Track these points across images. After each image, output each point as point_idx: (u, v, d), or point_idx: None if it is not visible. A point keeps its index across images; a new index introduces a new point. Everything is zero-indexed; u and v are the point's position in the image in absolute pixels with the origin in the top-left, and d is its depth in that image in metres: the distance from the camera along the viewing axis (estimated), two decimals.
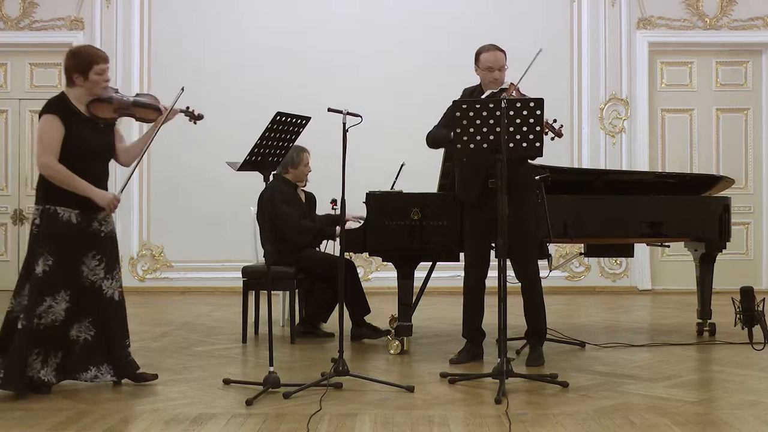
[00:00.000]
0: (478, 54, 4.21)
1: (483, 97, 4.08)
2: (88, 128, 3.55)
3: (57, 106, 3.53)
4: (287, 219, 4.95)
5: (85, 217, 3.54)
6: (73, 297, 3.52)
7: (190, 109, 3.72)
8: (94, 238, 3.59)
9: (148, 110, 3.66)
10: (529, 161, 4.32)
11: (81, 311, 3.57)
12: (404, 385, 3.64)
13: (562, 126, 3.93)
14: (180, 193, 7.57)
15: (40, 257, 3.46)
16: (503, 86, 4.10)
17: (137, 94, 3.68)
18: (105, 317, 3.64)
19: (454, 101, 3.87)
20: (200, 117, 3.75)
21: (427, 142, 4.35)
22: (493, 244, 4.45)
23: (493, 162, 3.82)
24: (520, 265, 4.18)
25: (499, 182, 3.65)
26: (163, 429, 3.03)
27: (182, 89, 3.59)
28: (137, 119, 3.70)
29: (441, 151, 4.60)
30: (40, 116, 3.53)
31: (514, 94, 3.95)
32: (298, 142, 4.00)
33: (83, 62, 3.54)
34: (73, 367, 3.60)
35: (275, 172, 5.16)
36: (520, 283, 4.22)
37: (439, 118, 4.35)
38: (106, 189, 3.62)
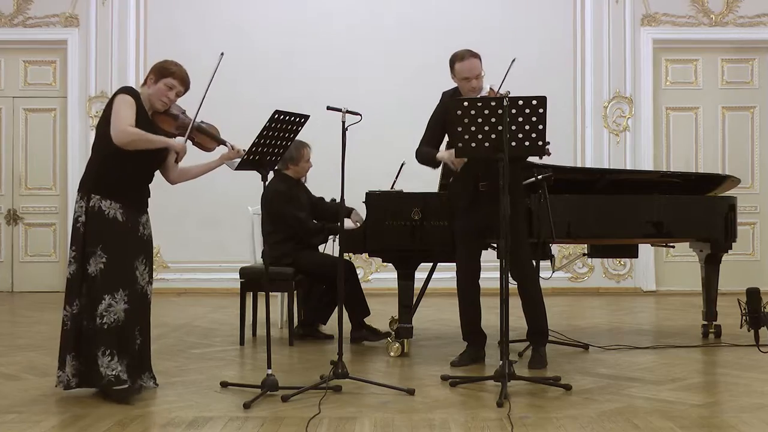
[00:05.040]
0: (452, 63, 4.11)
1: None
2: (149, 130, 3.51)
3: (133, 92, 3.52)
4: (295, 221, 4.93)
5: (129, 216, 3.50)
6: (131, 299, 3.48)
7: (244, 153, 3.65)
8: (142, 243, 3.58)
9: (206, 138, 3.65)
10: (531, 160, 4.29)
11: (136, 318, 3.53)
12: (404, 388, 3.62)
13: (549, 143, 3.77)
14: (176, 192, 7.47)
15: (91, 256, 3.43)
16: (483, 94, 4.05)
17: (201, 121, 3.66)
18: (148, 322, 3.64)
19: (454, 100, 3.82)
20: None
21: (417, 160, 4.35)
22: (494, 245, 4.44)
23: (484, 166, 3.89)
24: (515, 264, 4.14)
25: (501, 182, 3.62)
26: None
27: (222, 54, 3.61)
28: (194, 143, 3.65)
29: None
30: (114, 96, 3.50)
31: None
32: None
33: (163, 69, 3.55)
34: (133, 377, 3.55)
35: (276, 168, 5.13)
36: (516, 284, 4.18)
37: (424, 131, 4.33)
38: (149, 192, 3.62)
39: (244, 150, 3.63)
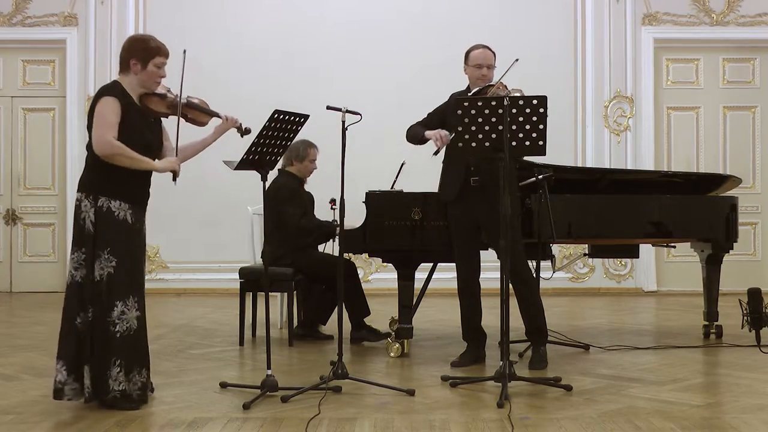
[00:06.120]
0: (468, 52, 4.28)
1: (470, 94, 4.09)
2: (142, 119, 3.42)
3: (114, 89, 3.38)
4: (289, 218, 4.90)
5: (137, 216, 3.40)
6: (141, 305, 3.39)
7: (239, 122, 3.63)
8: (145, 244, 3.51)
9: (198, 112, 3.57)
10: (532, 159, 4.29)
11: (145, 324, 3.44)
12: (404, 389, 3.61)
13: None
14: (175, 192, 7.44)
15: (96, 259, 3.30)
16: (490, 84, 4.12)
17: (188, 96, 3.56)
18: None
19: (455, 99, 3.82)
20: (248, 131, 3.64)
21: (406, 136, 4.40)
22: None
23: (476, 160, 3.93)
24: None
25: (501, 182, 3.61)
26: None
27: (184, 51, 3.44)
28: (187, 120, 3.55)
29: (442, 150, 4.54)
30: (95, 101, 3.36)
31: (500, 90, 3.93)
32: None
33: (146, 50, 3.40)
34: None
35: (279, 167, 5.11)
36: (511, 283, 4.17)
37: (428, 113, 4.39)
38: (150, 184, 3.51)
39: (237, 119, 3.59)
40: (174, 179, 3.45)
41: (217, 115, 3.59)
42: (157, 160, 3.44)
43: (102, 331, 3.29)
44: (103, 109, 3.31)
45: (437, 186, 4.76)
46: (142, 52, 3.39)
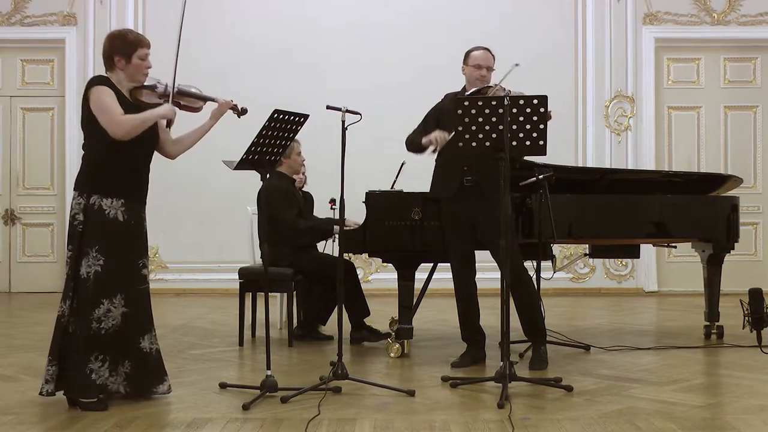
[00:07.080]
0: (468, 52, 4.31)
1: (467, 95, 4.07)
2: (135, 112, 3.39)
3: (104, 81, 3.38)
4: (284, 222, 4.88)
5: (132, 214, 3.38)
6: (129, 302, 3.36)
7: (234, 102, 3.62)
8: (145, 240, 3.48)
9: (191, 98, 3.55)
10: (533, 159, 4.28)
11: (147, 318, 3.43)
12: (405, 389, 3.60)
13: (550, 111, 3.86)
14: (175, 192, 7.50)
15: (84, 257, 3.30)
16: (488, 85, 4.13)
17: (179, 84, 3.53)
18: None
19: (455, 99, 3.81)
20: (244, 111, 3.61)
21: (406, 147, 4.41)
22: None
23: (472, 159, 3.93)
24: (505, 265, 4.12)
25: (502, 181, 3.60)
26: None
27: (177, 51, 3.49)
28: (181, 107, 3.54)
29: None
30: (87, 91, 3.35)
31: (499, 92, 3.93)
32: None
33: (127, 44, 3.39)
34: (149, 380, 3.43)
35: None
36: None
37: (420, 121, 4.40)
38: (148, 179, 3.50)
39: (231, 100, 3.57)
40: (168, 126, 3.48)
41: (212, 99, 3.57)
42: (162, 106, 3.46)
43: (83, 328, 3.28)
44: (99, 98, 3.31)
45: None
46: (123, 47, 3.39)
